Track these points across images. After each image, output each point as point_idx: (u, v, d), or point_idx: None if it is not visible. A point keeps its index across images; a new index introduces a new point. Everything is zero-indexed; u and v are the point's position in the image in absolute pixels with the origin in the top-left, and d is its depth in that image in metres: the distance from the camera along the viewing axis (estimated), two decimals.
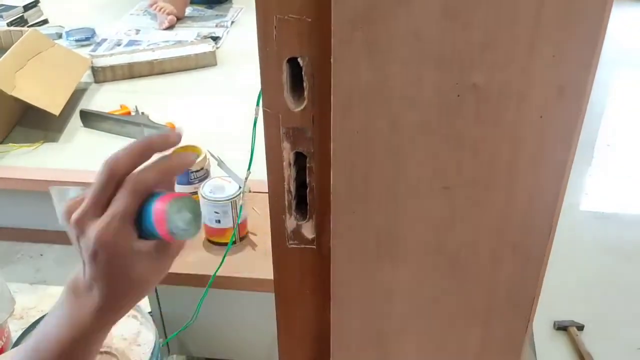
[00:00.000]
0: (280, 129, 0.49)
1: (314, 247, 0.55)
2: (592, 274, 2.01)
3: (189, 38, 2.54)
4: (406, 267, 0.53)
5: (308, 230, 0.55)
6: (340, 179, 0.49)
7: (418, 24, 0.42)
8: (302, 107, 0.48)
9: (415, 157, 0.47)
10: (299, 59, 0.46)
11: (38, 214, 1.96)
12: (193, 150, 1.52)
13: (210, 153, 1.52)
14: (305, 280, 0.57)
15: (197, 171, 1.48)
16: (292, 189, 0.52)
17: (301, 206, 0.54)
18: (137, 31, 2.60)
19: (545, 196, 0.48)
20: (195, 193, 1.46)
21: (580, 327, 1.78)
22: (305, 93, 0.47)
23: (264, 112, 0.48)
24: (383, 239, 0.52)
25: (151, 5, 2.66)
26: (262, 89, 0.47)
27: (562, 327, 1.80)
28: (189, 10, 2.76)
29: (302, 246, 0.55)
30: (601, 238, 2.18)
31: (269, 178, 0.51)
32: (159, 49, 2.35)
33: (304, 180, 0.52)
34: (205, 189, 1.40)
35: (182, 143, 1.68)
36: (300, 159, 0.51)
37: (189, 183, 1.48)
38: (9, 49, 1.89)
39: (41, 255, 2.04)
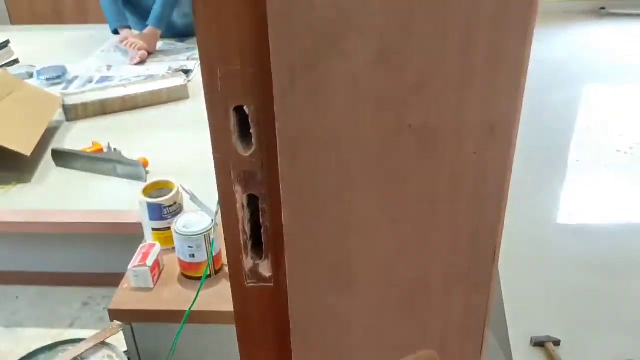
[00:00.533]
0: (232, 173, 0.51)
1: (272, 284, 0.56)
2: (568, 288, 2.04)
3: (160, 72, 2.57)
4: (361, 299, 0.55)
5: (265, 268, 0.56)
6: (292, 218, 0.51)
7: (354, 68, 0.44)
8: (251, 151, 0.50)
9: (362, 194, 0.49)
10: (244, 107, 0.48)
11: (13, 256, 1.95)
12: (165, 185, 1.53)
13: (182, 187, 1.54)
14: (266, 318, 0.58)
15: (170, 206, 1.49)
16: (247, 229, 0.54)
17: (257, 246, 0.55)
18: (109, 67, 2.62)
19: (486, 225, 0.50)
20: (169, 228, 1.47)
21: (557, 342, 1.80)
22: (253, 139, 0.49)
23: (215, 158, 0.50)
24: (337, 273, 0.54)
25: (122, 41, 2.69)
26: (211, 136, 0.49)
27: (539, 343, 1.82)
28: (160, 45, 2.79)
29: (261, 284, 0.56)
30: (574, 252, 2.22)
31: (223, 220, 0.53)
32: (130, 84, 2.37)
33: (258, 220, 0.54)
34: (179, 224, 1.41)
35: (155, 178, 1.68)
36: (253, 201, 0.53)
37: (162, 219, 1.49)
38: None
39: (16, 297, 2.02)
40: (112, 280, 1.47)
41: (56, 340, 1.65)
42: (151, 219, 1.50)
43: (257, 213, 0.54)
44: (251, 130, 0.49)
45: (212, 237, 1.39)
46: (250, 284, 0.56)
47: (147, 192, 1.50)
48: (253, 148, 0.50)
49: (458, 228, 0.50)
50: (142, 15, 2.75)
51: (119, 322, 1.41)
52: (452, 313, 0.55)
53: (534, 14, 0.42)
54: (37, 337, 1.86)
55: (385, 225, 0.51)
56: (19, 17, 4.04)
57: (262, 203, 0.53)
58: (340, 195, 0.50)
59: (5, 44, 2.70)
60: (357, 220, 0.51)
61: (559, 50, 4.10)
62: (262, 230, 0.54)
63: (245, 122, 0.50)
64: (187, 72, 2.53)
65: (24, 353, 1.44)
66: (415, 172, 0.48)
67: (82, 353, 1.34)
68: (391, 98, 0.45)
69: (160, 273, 1.47)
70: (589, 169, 2.79)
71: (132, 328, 1.43)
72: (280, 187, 0.50)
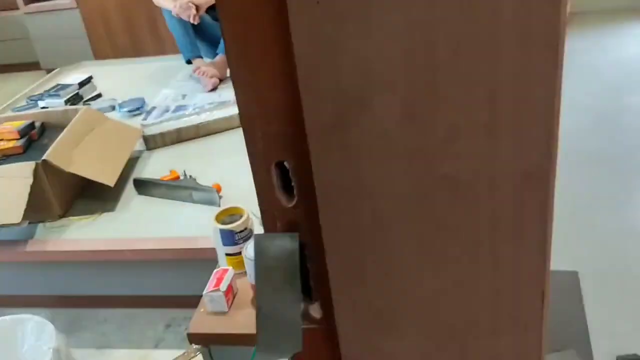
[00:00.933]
0: (277, 223, 0.53)
1: (323, 326, 0.58)
2: None
3: (232, 98, 2.66)
4: (409, 341, 0.56)
5: (315, 311, 0.58)
6: (335, 265, 0.53)
7: (383, 125, 0.46)
8: (293, 202, 0.52)
9: (400, 242, 0.51)
10: (285, 163, 0.51)
11: (101, 281, 2.07)
12: (236, 211, 1.58)
13: (252, 213, 1.59)
14: (318, 358, 0.60)
15: (241, 232, 1.55)
16: None
17: (306, 290, 0.57)
18: (184, 96, 2.74)
19: (531, 268, 0.50)
20: (240, 253, 1.52)
21: None
22: (295, 191, 0.52)
23: (261, 209, 0.53)
24: (385, 315, 0.55)
25: (195, 70, 2.81)
26: (256, 190, 0.52)
27: None
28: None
29: (312, 326, 0.59)
30: None
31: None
32: (204, 111, 2.47)
33: (306, 266, 0.56)
34: (249, 250, 1.46)
35: (228, 203, 1.75)
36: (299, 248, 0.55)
37: (234, 244, 1.54)
38: (66, 127, 2.04)
39: (105, 320, 2.15)
40: (193, 302, 1.54)
41: None
42: (224, 244, 1.55)
43: (304, 259, 0.56)
44: (292, 184, 0.51)
45: None
46: (302, 326, 0.58)
47: (219, 218, 1.56)
48: (295, 199, 0.52)
49: (502, 274, 0.50)
50: (213, 44, 2.86)
51: (197, 345, 1.47)
52: (501, 355, 0.55)
53: (559, 62, 0.42)
54: (126, 358, 1.97)
55: (426, 271, 0.51)
56: (101, 52, 4.30)
57: (307, 250, 0.55)
58: (378, 243, 0.51)
59: (89, 79, 2.89)
60: (398, 266, 0.52)
61: (634, 47, 3.89)
62: (309, 275, 0.56)
63: (287, 176, 0.52)
64: None
65: None
66: (451, 219, 0.49)
67: None
68: (422, 151, 0.46)
69: (234, 297, 1.52)
70: None
71: (209, 350, 1.49)
72: (322, 235, 0.52)
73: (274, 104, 0.48)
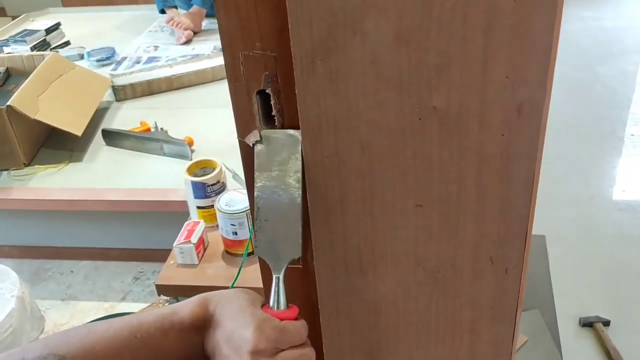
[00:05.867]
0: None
1: (300, 266, 0.57)
2: (619, 267, 1.98)
3: (206, 51, 2.59)
4: (389, 282, 0.55)
5: None
6: (317, 201, 0.51)
7: (374, 50, 0.43)
8: None
9: (386, 178, 0.49)
10: (267, 91, 0.48)
11: (66, 232, 2.03)
12: (208, 164, 1.55)
13: (225, 166, 1.56)
14: (294, 299, 0.58)
15: (214, 184, 1.52)
16: None
17: None
18: (156, 47, 2.66)
19: (516, 210, 0.49)
20: (213, 206, 1.49)
21: (607, 323, 1.76)
22: (277, 122, 0.49)
23: (240, 142, 0.50)
24: (364, 254, 0.54)
25: (168, 21, 2.72)
26: (235, 120, 0.50)
27: (587, 324, 1.78)
28: (205, 24, 2.81)
29: (288, 266, 0.57)
30: (627, 230, 2.14)
31: (250, 204, 0.53)
32: (176, 64, 2.40)
33: None
34: (222, 202, 1.43)
35: (200, 157, 1.72)
36: None
37: (206, 197, 1.52)
38: (32, 73, 1.96)
39: (71, 271, 2.11)
40: (163, 255, 1.52)
41: (109, 313, 1.72)
42: (195, 197, 1.53)
43: None
44: (274, 114, 0.49)
45: None
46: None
47: (191, 171, 1.53)
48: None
49: (486, 212, 0.49)
50: None
51: (166, 297, 1.46)
52: (481, 297, 0.54)
53: None
54: (91, 310, 1.95)
55: (411, 209, 0.50)
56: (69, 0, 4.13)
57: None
58: (364, 178, 0.49)
59: (57, 26, 2.77)
60: (381, 203, 0.50)
61: (612, 20, 3.91)
62: None
63: (269, 107, 0.50)
64: None
65: (79, 325, 1.51)
66: (439, 156, 0.47)
67: None
68: (413, 80, 0.44)
69: (204, 250, 1.51)
70: None
71: (177, 300, 1.47)
72: (305, 170, 0.50)
73: (257, 27, 0.45)
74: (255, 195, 0.50)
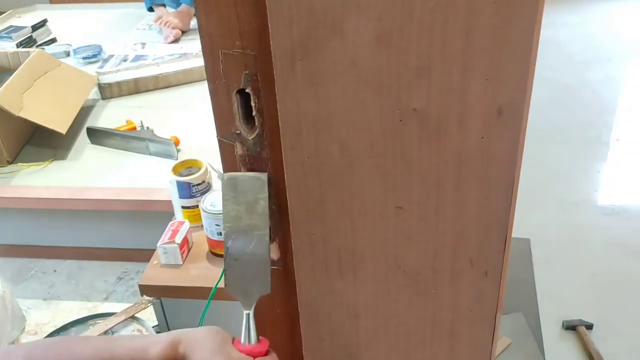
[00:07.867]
0: (235, 155, 0.51)
1: (280, 267, 0.56)
2: (602, 272, 1.99)
3: (193, 50, 2.57)
4: (368, 284, 0.54)
5: (273, 252, 0.56)
6: (297, 202, 0.51)
7: (354, 51, 0.43)
8: (254, 134, 0.50)
9: (366, 179, 0.49)
10: (247, 90, 0.48)
11: (50, 231, 2.01)
12: (194, 164, 1.54)
13: (211, 166, 1.55)
14: (274, 300, 0.58)
15: (199, 184, 1.51)
16: None
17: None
18: (143, 45, 2.64)
19: (495, 212, 0.49)
20: (197, 206, 1.48)
21: (590, 326, 1.76)
22: (256, 122, 0.49)
23: (219, 141, 0.50)
24: (343, 256, 0.53)
25: (157, 20, 2.71)
26: (215, 119, 0.49)
27: (571, 327, 1.78)
28: (193, 23, 2.79)
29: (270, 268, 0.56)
30: (610, 235, 2.15)
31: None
32: (164, 63, 2.39)
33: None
34: (206, 202, 1.42)
35: (186, 156, 1.70)
36: None
37: (191, 196, 1.51)
38: (16, 70, 1.94)
39: (54, 271, 2.09)
40: (147, 255, 1.50)
41: (92, 313, 1.70)
42: (180, 196, 1.51)
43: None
44: (254, 114, 0.49)
45: None
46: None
47: (176, 170, 1.52)
48: (257, 131, 0.50)
49: (465, 214, 0.49)
50: None
51: (149, 297, 1.44)
52: (461, 300, 0.54)
53: None
54: (74, 310, 1.92)
55: (390, 210, 0.50)
56: None
57: (268, 187, 0.52)
58: (344, 179, 0.49)
59: (43, 23, 2.75)
60: (361, 205, 0.50)
61: (598, 25, 3.95)
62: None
63: (249, 104, 0.49)
64: None
65: (60, 325, 1.49)
66: (419, 157, 0.47)
67: (112, 327, 1.38)
68: (393, 81, 0.44)
69: (189, 250, 1.49)
70: (629, 148, 2.69)
71: (161, 303, 1.46)
72: (285, 170, 0.49)
73: (237, 26, 0.45)
74: (224, 234, 0.51)
